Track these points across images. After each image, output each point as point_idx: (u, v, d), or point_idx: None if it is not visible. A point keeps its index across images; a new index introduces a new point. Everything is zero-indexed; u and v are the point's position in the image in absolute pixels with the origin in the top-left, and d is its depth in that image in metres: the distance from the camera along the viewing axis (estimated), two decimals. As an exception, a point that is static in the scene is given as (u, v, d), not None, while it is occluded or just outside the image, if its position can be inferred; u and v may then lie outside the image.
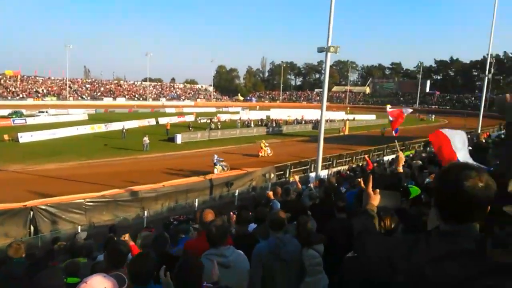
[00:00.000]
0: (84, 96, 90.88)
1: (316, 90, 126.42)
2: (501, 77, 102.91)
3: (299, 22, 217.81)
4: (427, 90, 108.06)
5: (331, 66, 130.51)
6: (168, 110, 72.94)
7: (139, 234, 6.56)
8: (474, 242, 1.35)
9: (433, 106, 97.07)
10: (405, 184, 4.14)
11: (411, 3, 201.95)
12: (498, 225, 1.74)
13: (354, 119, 58.80)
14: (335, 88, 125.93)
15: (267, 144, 29.21)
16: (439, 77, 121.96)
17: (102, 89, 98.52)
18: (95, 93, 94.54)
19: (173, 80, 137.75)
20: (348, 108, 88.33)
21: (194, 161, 26.14)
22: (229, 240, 3.67)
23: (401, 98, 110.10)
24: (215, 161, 22.68)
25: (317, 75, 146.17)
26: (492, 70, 61.47)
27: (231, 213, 7.00)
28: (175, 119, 53.61)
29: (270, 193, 6.87)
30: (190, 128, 40.65)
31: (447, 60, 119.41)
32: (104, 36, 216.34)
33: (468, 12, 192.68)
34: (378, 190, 2.12)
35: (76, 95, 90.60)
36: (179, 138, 34.52)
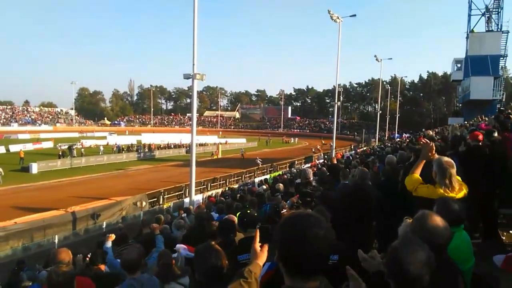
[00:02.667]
0: None
1: (188, 114, 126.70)
2: (349, 104, 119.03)
3: (166, 45, 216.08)
4: (289, 115, 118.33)
5: (201, 92, 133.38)
6: (21, 136, 63.73)
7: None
8: None
9: (295, 130, 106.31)
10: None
11: (269, 34, 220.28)
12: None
13: (226, 143, 60.54)
14: (206, 113, 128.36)
15: None
16: (298, 104, 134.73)
17: None
18: None
19: (26, 102, 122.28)
20: (220, 132, 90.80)
21: (53, 193, 23.47)
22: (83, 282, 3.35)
23: (268, 123, 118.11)
24: None
25: (188, 100, 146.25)
26: (341, 98, 70.80)
27: None
28: (30, 146, 47.43)
29: (155, 226, 6.10)
30: (61, 156, 36.37)
31: (304, 88, 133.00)
32: None
33: (319, 45, 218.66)
34: (266, 246, 1.81)
35: None
36: (34, 168, 30.55)
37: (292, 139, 77.86)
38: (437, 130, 24.93)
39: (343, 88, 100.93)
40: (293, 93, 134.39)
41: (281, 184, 8.06)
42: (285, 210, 5.28)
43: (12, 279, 5.73)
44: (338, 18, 28.49)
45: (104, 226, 15.88)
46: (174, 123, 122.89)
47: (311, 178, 7.11)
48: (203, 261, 2.70)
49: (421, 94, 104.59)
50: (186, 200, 19.14)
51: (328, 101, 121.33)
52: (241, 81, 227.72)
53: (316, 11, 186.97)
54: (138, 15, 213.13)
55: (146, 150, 46.47)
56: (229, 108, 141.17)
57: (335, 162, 11.31)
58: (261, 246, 1.81)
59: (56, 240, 13.90)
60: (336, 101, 32.69)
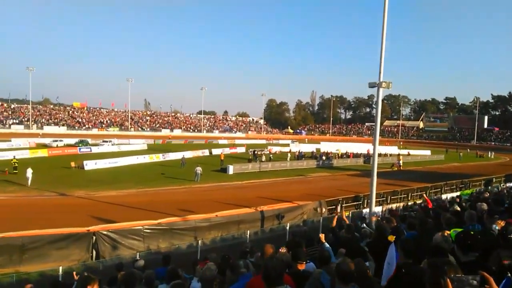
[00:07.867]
0: (144, 127, 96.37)
1: (367, 123, 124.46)
2: None
3: (348, 56, 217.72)
4: (485, 126, 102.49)
5: (382, 100, 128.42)
6: (221, 142, 75.51)
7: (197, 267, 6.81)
8: None
9: (492, 143, 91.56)
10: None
11: (466, 36, 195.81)
12: None
13: (409, 154, 56.72)
14: (386, 122, 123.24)
15: None
16: (497, 113, 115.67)
17: (160, 120, 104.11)
18: (154, 125, 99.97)
19: (225, 113, 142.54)
20: (401, 142, 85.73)
21: (245, 192, 26.52)
22: (286, 278, 3.46)
23: (458, 134, 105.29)
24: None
25: (368, 109, 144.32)
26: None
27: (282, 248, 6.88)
28: (227, 150, 54.94)
29: (322, 236, 6.45)
30: (271, 157, 43.78)
31: (505, 95, 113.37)
32: (163, 71, 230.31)
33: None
34: None
35: (136, 126, 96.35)
36: (231, 169, 35.32)
37: (489, 152, 67.37)
38: None
39: None
40: (491, 101, 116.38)
41: (484, 204, 7.17)
42: None
43: (223, 264, 6.77)
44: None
45: (287, 227, 17.00)
46: (352, 132, 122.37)
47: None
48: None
49: None
50: (365, 210, 18.89)
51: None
52: (427, 88, 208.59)
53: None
54: (321, 28, 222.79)
55: (324, 158, 47.72)
56: (411, 117, 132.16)
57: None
58: None
59: (248, 235, 15.57)
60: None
